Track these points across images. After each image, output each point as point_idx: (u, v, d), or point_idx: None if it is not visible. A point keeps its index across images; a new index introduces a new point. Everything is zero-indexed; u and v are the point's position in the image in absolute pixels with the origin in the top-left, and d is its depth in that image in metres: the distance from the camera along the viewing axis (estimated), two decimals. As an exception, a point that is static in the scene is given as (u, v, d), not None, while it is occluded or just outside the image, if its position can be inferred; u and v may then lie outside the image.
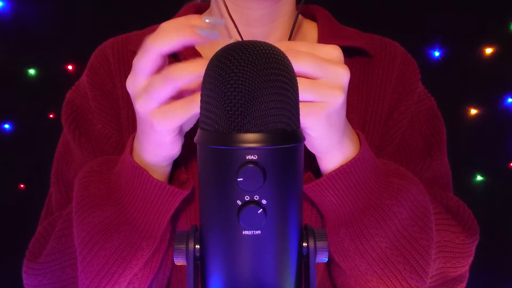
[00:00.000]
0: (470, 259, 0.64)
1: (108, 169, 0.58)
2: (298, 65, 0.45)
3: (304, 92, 0.45)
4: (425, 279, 0.56)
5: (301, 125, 0.47)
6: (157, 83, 0.46)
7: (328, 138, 0.50)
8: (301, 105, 0.44)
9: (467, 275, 0.66)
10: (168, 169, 0.56)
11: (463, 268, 0.64)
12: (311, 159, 0.55)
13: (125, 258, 0.54)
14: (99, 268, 0.54)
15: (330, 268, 0.63)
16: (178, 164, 0.58)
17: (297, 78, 0.40)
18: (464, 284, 0.66)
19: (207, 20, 0.47)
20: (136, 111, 0.50)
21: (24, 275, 0.62)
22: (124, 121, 0.65)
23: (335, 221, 0.56)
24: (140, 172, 0.52)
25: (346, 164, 0.52)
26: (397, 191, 0.55)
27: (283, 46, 0.42)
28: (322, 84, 0.46)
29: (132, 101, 0.49)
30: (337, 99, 0.47)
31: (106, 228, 0.54)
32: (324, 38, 0.66)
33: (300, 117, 0.44)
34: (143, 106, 0.47)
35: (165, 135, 0.48)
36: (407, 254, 0.54)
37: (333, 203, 0.55)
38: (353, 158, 0.52)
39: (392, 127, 0.66)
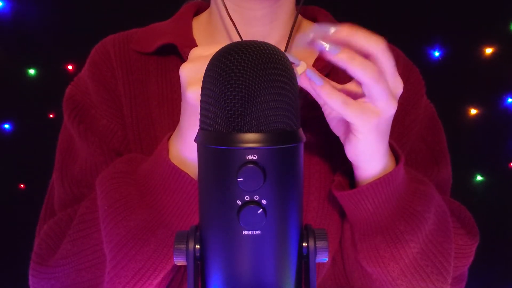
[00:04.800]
0: (471, 260, 0.66)
1: (133, 169, 0.58)
2: (384, 61, 0.46)
3: (373, 82, 0.45)
4: (448, 280, 0.57)
5: (351, 126, 0.48)
6: None
7: (374, 144, 0.50)
8: (357, 103, 0.46)
9: (466, 274, 0.68)
10: None
11: (464, 267, 0.66)
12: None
13: (162, 262, 0.54)
14: (135, 272, 0.53)
15: (348, 270, 0.63)
16: None
17: (368, 65, 0.44)
18: (464, 284, 0.68)
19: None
20: (185, 100, 0.49)
21: (32, 279, 0.60)
22: (127, 118, 0.65)
23: (370, 229, 0.56)
24: (181, 176, 0.52)
25: (389, 173, 0.52)
26: (425, 198, 0.56)
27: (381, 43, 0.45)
28: (387, 87, 0.47)
29: (183, 88, 0.49)
30: (392, 108, 0.48)
31: (142, 231, 0.53)
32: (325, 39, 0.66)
33: (351, 115, 0.46)
34: (196, 93, 0.46)
35: None
36: (433, 257, 0.56)
37: (369, 211, 0.55)
38: (396, 167, 0.53)
39: (404, 135, 0.67)
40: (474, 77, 1.82)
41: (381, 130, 0.49)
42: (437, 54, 1.82)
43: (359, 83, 0.47)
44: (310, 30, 0.46)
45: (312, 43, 0.46)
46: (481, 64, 1.83)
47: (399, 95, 0.49)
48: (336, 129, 0.53)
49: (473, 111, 1.88)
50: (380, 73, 0.46)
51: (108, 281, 0.55)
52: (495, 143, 1.89)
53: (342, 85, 0.52)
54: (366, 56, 0.46)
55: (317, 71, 0.50)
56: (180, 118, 0.53)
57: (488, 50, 1.82)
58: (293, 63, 0.49)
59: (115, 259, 0.54)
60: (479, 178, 1.92)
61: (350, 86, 0.51)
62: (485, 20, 1.77)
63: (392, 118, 0.50)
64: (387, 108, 0.47)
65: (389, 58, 0.47)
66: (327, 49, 0.45)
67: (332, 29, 0.46)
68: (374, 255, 0.56)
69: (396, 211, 0.55)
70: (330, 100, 0.46)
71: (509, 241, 1.93)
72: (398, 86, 0.49)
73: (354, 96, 0.49)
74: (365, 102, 0.47)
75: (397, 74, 0.48)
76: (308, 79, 0.47)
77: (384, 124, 0.49)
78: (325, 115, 0.53)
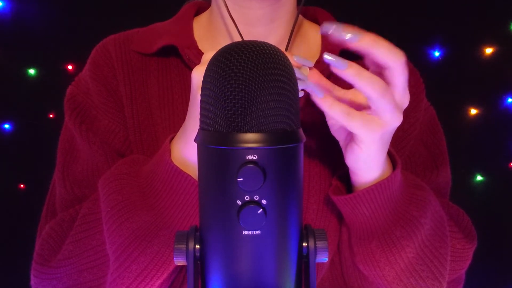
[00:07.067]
0: (468, 263, 0.66)
1: (136, 171, 0.58)
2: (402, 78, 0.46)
3: (379, 97, 0.45)
4: (444, 284, 0.58)
5: (354, 135, 0.48)
6: None
7: (375, 154, 0.50)
8: (361, 114, 0.46)
9: (463, 277, 0.68)
10: None
11: (461, 270, 0.66)
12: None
13: (164, 263, 0.54)
14: (138, 273, 0.54)
15: (345, 272, 0.63)
16: None
17: (378, 82, 0.43)
18: (461, 286, 0.68)
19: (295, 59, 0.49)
20: (196, 102, 0.49)
21: (34, 279, 0.60)
22: (129, 118, 0.65)
23: (366, 233, 0.56)
24: (183, 178, 0.52)
25: (386, 179, 0.52)
26: (421, 203, 0.56)
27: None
28: (393, 100, 0.47)
29: (195, 90, 0.48)
30: (397, 121, 0.48)
31: (145, 233, 0.54)
32: (327, 40, 0.66)
33: (355, 126, 0.46)
34: None
35: None
36: (429, 262, 0.56)
37: (365, 216, 0.55)
38: (392, 173, 0.53)
39: (404, 138, 0.67)
40: (474, 77, 1.82)
41: (384, 141, 0.50)
42: (437, 54, 1.82)
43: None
44: (329, 28, 0.45)
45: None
46: (481, 64, 1.83)
47: (404, 107, 0.49)
48: (337, 134, 0.53)
49: (473, 111, 1.88)
50: (387, 88, 0.46)
51: (111, 282, 0.55)
52: (495, 143, 1.89)
53: (345, 90, 0.52)
54: (382, 67, 0.46)
55: (322, 76, 0.50)
56: (186, 120, 0.52)
57: (488, 50, 1.82)
58: (303, 65, 0.49)
59: (118, 261, 0.54)
60: (479, 178, 1.92)
61: (353, 94, 0.51)
62: (485, 20, 1.77)
63: (394, 131, 0.50)
64: (392, 120, 0.47)
65: (404, 74, 0.46)
66: (332, 61, 0.45)
67: (354, 36, 0.45)
68: (369, 259, 0.56)
69: (392, 216, 0.55)
70: (332, 112, 0.46)
71: (509, 241, 1.93)
72: (405, 99, 0.49)
73: (358, 105, 0.49)
74: (369, 113, 0.47)
75: (407, 88, 0.48)
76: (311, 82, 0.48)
77: (387, 135, 0.50)
78: (327, 120, 0.53)
